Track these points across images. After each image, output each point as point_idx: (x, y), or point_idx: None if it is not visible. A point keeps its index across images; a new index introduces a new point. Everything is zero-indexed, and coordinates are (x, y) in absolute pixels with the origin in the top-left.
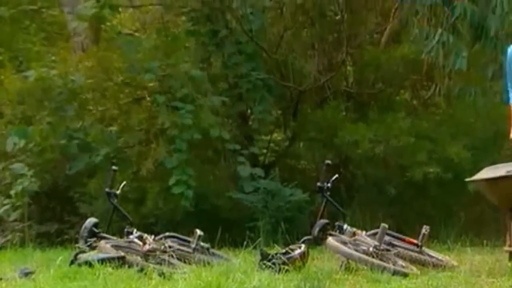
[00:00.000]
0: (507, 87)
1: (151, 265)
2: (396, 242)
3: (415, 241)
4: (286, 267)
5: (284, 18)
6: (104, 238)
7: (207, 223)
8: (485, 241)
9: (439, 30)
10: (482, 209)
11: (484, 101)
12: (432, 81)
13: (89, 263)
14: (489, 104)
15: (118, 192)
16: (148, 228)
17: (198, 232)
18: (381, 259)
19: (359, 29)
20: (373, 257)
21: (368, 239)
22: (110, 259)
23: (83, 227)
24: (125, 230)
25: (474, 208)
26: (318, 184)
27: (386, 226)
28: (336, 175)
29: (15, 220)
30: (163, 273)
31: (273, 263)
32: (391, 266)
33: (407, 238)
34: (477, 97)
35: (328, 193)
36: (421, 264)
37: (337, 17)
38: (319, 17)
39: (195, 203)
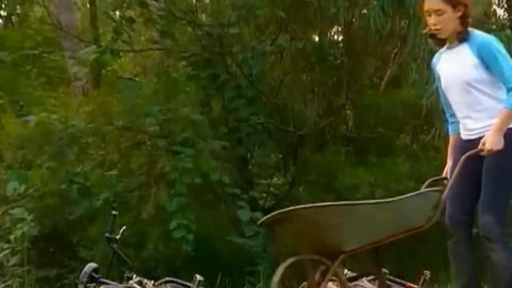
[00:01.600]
0: (444, 110)
1: None
2: (396, 287)
3: (415, 286)
4: None
5: (284, 62)
6: (104, 283)
7: (207, 267)
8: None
9: None
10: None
11: None
12: (432, 125)
13: None
14: None
15: (118, 237)
16: (148, 272)
17: (198, 277)
18: None
19: (359, 74)
20: None
21: (368, 284)
22: None
23: (83, 272)
24: (125, 275)
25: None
26: None
27: (386, 271)
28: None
29: (14, 265)
30: None
31: None
32: None
33: (407, 283)
34: None
35: None
36: None
37: (337, 62)
38: (319, 62)
39: (196, 247)
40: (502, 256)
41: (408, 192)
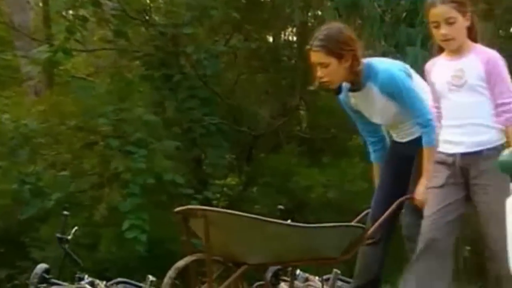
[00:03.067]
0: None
1: None
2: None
3: None
4: None
5: (238, 63)
6: (55, 284)
7: (162, 268)
8: None
9: None
10: None
11: None
12: None
13: None
14: None
15: (69, 237)
16: (101, 273)
17: (150, 277)
18: None
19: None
20: None
21: (321, 285)
22: None
23: (34, 273)
24: (76, 275)
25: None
26: None
27: (339, 271)
28: (289, 221)
29: None
30: None
31: None
32: None
33: None
34: None
35: None
36: None
37: (291, 62)
38: (273, 63)
39: (149, 248)
40: None
41: (362, 193)
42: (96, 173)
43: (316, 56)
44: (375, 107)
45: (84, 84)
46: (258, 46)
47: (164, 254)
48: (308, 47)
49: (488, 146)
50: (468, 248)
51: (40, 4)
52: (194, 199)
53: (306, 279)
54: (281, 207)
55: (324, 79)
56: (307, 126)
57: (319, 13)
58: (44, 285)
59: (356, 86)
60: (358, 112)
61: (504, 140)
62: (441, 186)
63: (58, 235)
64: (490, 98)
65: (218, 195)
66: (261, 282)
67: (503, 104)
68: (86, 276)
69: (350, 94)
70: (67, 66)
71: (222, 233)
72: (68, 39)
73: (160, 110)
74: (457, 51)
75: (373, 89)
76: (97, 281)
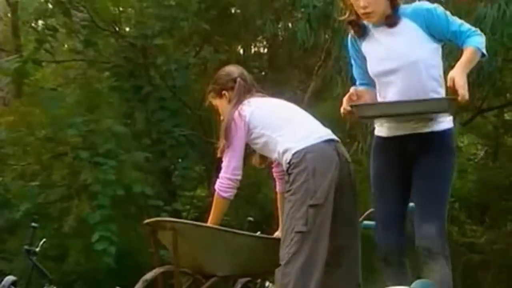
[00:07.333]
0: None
1: None
2: None
3: None
4: None
5: (208, 74)
6: None
7: (130, 280)
8: None
9: None
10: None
11: None
12: (355, 139)
13: None
14: None
15: (37, 249)
16: (69, 285)
17: None
18: None
19: (283, 86)
20: None
21: None
22: None
23: (1, 285)
24: None
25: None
26: None
27: None
28: (259, 233)
29: None
30: None
31: None
32: None
33: None
34: None
35: None
36: None
37: (262, 74)
38: None
39: (117, 260)
40: (444, 272)
41: None
42: (65, 185)
43: None
44: (402, 43)
45: (53, 94)
46: (228, 58)
47: (132, 266)
48: None
49: None
50: None
51: (9, 15)
52: (163, 211)
53: None
54: (250, 219)
55: (368, 9)
56: None
57: (290, 25)
58: None
59: (391, 20)
60: (362, 59)
61: None
62: None
63: (26, 247)
64: None
65: (188, 207)
66: None
67: None
68: None
69: (379, 29)
70: (36, 76)
71: (190, 245)
72: (38, 50)
73: (129, 122)
74: None
75: (407, 23)
76: None
